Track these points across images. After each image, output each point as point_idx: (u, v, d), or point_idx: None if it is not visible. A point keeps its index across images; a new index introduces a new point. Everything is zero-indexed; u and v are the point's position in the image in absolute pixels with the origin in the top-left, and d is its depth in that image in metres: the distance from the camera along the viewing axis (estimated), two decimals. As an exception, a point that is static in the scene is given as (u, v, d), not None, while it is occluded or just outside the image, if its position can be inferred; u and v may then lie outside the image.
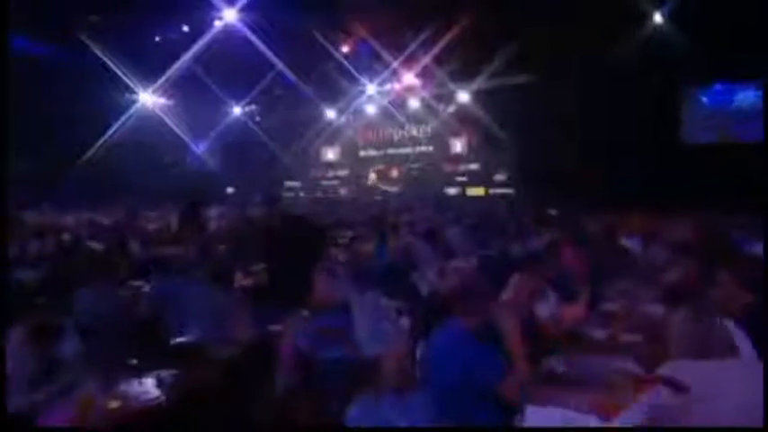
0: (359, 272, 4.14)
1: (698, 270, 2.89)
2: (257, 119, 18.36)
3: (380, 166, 17.40)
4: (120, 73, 13.61)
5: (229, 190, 18.15)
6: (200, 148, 17.90)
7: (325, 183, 18.59)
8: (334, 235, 6.71)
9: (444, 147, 16.23)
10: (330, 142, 18.53)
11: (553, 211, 8.73)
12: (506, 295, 2.52)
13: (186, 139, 16.95)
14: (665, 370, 1.69)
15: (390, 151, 17.58)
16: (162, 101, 15.91)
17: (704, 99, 11.21)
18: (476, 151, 15.29)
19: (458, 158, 15.92)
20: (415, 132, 16.99)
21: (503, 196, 13.23)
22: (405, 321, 2.89)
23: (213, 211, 10.84)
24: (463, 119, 14.97)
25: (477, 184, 14.96)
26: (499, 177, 14.58)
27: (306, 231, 4.08)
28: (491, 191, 14.58)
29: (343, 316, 2.49)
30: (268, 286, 3.87)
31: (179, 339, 2.79)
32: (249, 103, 17.60)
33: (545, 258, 3.40)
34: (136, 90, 14.90)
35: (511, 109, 12.57)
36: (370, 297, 2.42)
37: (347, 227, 8.16)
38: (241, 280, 4.31)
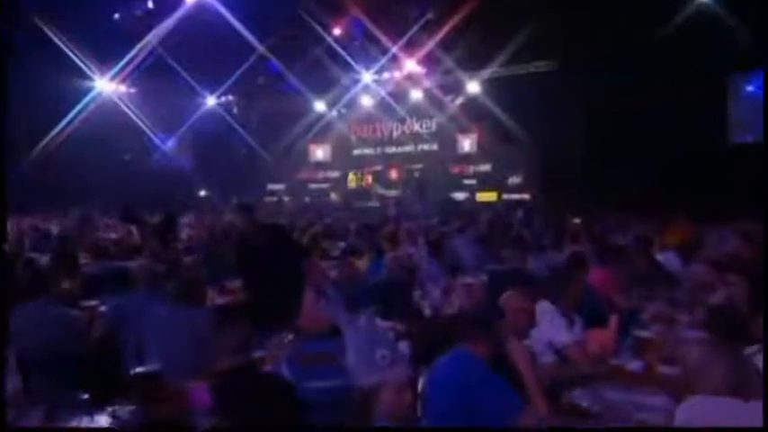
0: (351, 290, 4.14)
1: (746, 291, 2.90)
2: (234, 111, 18.46)
3: (377, 167, 17.49)
4: (72, 56, 13.51)
5: (202, 193, 18.14)
6: (167, 145, 17.91)
7: (313, 186, 18.67)
8: (324, 246, 6.73)
9: (451, 145, 16.33)
10: (319, 139, 18.62)
11: (577, 220, 8.77)
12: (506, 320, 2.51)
13: (151, 133, 16.98)
14: (686, 407, 1.71)
15: (389, 150, 17.69)
16: (122, 89, 15.88)
17: (750, 89, 11.21)
18: (487, 150, 15.40)
19: (466, 158, 16.02)
20: (417, 128, 17.10)
21: (518, 202, 13.28)
22: (404, 347, 2.90)
23: (183, 219, 10.83)
24: (473, 113, 15.09)
25: (488, 188, 15.04)
26: (514, 180, 14.66)
27: (291, 242, 4.09)
28: (504, 196, 14.66)
29: (333, 340, 2.49)
30: (246, 306, 3.88)
31: (139, 369, 2.76)
32: (225, 93, 17.67)
33: (568, 276, 3.40)
34: (92, 76, 14.80)
35: (528, 101, 12.67)
36: (364, 319, 2.43)
37: (338, 237, 8.17)
38: (215, 298, 4.35)
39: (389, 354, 1.99)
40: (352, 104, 17.10)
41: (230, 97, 18.10)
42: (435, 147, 16.71)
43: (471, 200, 15.06)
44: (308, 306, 2.58)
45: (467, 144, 16.12)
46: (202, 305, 3.36)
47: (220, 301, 4.38)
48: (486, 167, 15.51)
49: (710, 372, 1.77)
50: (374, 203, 16.12)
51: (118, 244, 5.94)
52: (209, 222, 10.64)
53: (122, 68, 14.65)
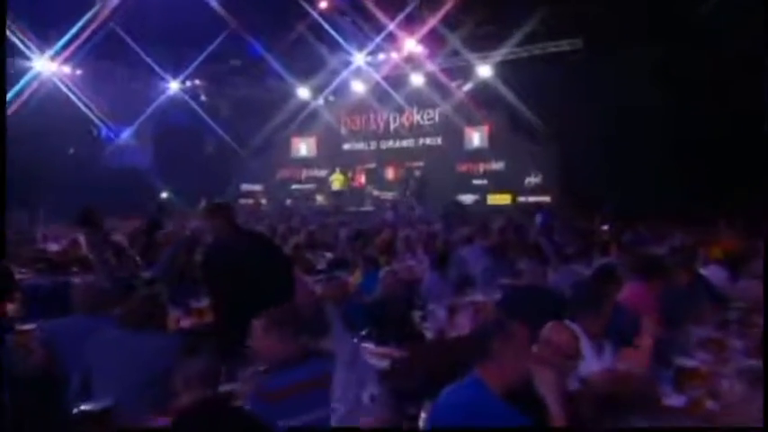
0: (340, 309, 4.11)
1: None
2: (202, 98, 18.45)
3: (371, 165, 17.51)
4: (5, 30, 13.34)
5: (163, 195, 18.07)
6: (121, 138, 17.85)
7: (296, 186, 18.68)
8: (308, 258, 6.71)
9: (458, 139, 16.38)
10: (303, 132, 18.65)
11: (605, 227, 8.80)
12: (538, 349, 2.52)
13: (102, 124, 16.90)
14: None
15: (384, 144, 17.73)
16: (66, 70, 15.77)
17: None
18: (500, 145, 15.44)
19: (476, 155, 16.07)
20: (418, 119, 17.16)
21: (537, 206, 13.32)
22: (401, 377, 2.89)
23: (139, 225, 10.74)
24: (483, 101, 15.15)
25: (501, 190, 15.09)
26: (531, 180, 14.70)
27: (269, 254, 4.05)
28: (520, 199, 14.72)
29: (304, 366, 2.54)
30: (216, 329, 3.85)
31: (85, 406, 2.71)
32: (191, 77, 17.65)
33: (596, 292, 3.38)
34: (29, 55, 14.65)
35: (549, 87, 12.72)
36: (351, 350, 2.45)
37: (325, 247, 8.15)
38: (178, 321, 4.30)
39: (378, 393, 2.00)
40: (341, 91, 17.13)
41: (197, 82, 18.08)
42: (439, 141, 16.75)
43: (481, 203, 15.11)
44: (258, 336, 2.59)
45: (476, 138, 16.17)
46: (162, 329, 3.33)
47: (185, 323, 4.36)
48: (498, 165, 15.56)
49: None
50: (367, 207, 16.14)
51: (61, 256, 5.89)
52: (173, 230, 10.58)
53: (66, 45, 14.44)
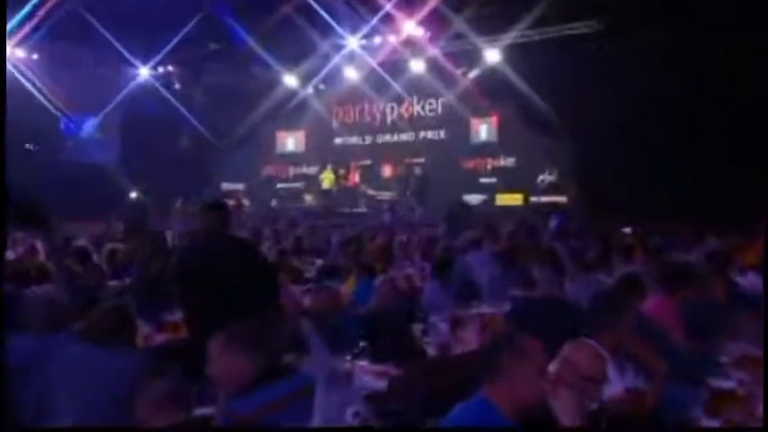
0: (331, 322, 4.09)
1: None
2: (176, 86, 18.43)
3: (366, 162, 17.51)
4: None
5: (132, 195, 18.01)
6: (85, 130, 17.81)
7: (282, 186, 18.64)
8: (295, 266, 6.71)
9: (463, 132, 16.39)
10: (290, 124, 18.63)
11: (628, 230, 8.80)
12: (556, 369, 2.50)
13: (63, 115, 16.84)
14: None
15: (381, 138, 17.72)
16: (21, 54, 15.72)
17: None
18: (510, 139, 15.45)
19: (483, 149, 16.08)
20: (418, 110, 17.16)
21: (551, 207, 13.33)
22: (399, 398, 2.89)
23: (103, 228, 10.71)
24: (491, 90, 15.15)
25: (511, 189, 15.10)
26: (545, 178, 14.70)
27: (251, 261, 4.04)
28: (533, 199, 14.72)
29: (275, 385, 2.56)
30: (190, 346, 3.83)
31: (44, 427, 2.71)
32: (164, 63, 17.63)
33: (618, 304, 3.37)
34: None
35: (565, 74, 12.75)
36: (330, 367, 2.48)
37: (315, 253, 8.15)
38: (150, 337, 4.30)
39: (363, 411, 2.00)
40: (332, 79, 17.13)
41: (170, 68, 18.05)
42: (442, 134, 16.76)
43: (489, 204, 15.11)
44: (216, 357, 2.58)
45: (483, 131, 16.19)
46: (130, 345, 3.33)
47: (157, 339, 4.37)
48: (508, 161, 15.58)
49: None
50: (362, 209, 16.12)
51: (17, 264, 5.85)
52: (144, 235, 10.53)
53: (20, 25, 14.38)
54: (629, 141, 12.00)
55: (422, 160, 16.47)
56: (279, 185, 18.63)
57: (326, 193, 16.76)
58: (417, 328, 4.42)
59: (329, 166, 16.87)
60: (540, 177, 14.74)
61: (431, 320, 4.33)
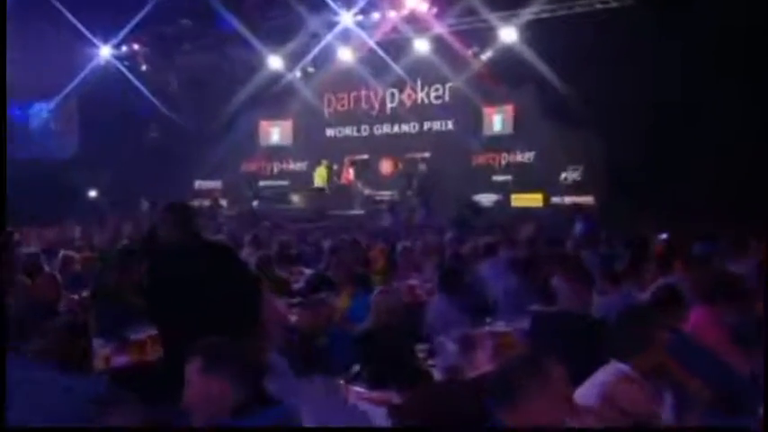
0: (322, 341, 4.08)
1: None
2: (143, 68, 18.43)
3: (362, 156, 17.51)
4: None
5: (91, 194, 18.01)
6: (37, 118, 17.76)
7: (265, 183, 18.64)
8: (280, 276, 6.71)
9: (474, 122, 16.39)
10: (275, 113, 18.63)
11: (664, 235, 8.79)
12: (584, 399, 2.50)
13: (11, 102, 16.77)
14: None
15: (379, 130, 17.72)
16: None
17: None
18: (528, 130, 15.46)
19: (497, 142, 16.08)
20: (422, 97, 17.17)
21: (576, 209, 13.32)
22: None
23: (61, 233, 10.70)
24: (507, 74, 15.16)
25: (529, 188, 15.11)
26: (569, 176, 14.72)
27: (229, 270, 4.04)
28: (555, 199, 14.74)
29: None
30: (162, 368, 3.83)
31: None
32: (129, 42, 17.62)
33: (654, 321, 3.36)
34: None
35: (590, 56, 12.74)
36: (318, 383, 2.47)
37: (303, 261, 8.14)
38: (110, 357, 4.29)
39: None
40: (324, 61, 17.13)
41: (136, 47, 18.06)
42: (450, 125, 16.76)
43: (504, 205, 15.13)
44: (188, 378, 2.58)
45: (497, 121, 16.19)
46: (85, 368, 3.32)
47: (119, 361, 4.34)
48: (526, 156, 15.59)
49: None
50: (357, 210, 16.10)
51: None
52: (105, 238, 10.53)
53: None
54: (666, 133, 12.00)
55: (426, 155, 16.47)
56: (261, 183, 18.63)
57: (319, 192, 16.76)
58: (421, 348, 4.40)
59: (323, 161, 16.87)
60: (563, 174, 14.76)
61: (437, 340, 4.30)
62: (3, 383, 2.80)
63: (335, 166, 17.10)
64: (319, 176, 16.80)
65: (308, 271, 7.38)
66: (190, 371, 2.59)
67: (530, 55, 14.26)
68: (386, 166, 17.27)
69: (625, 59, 12.34)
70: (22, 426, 2.70)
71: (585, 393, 2.83)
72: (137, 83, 18.03)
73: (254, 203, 17.64)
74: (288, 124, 18.74)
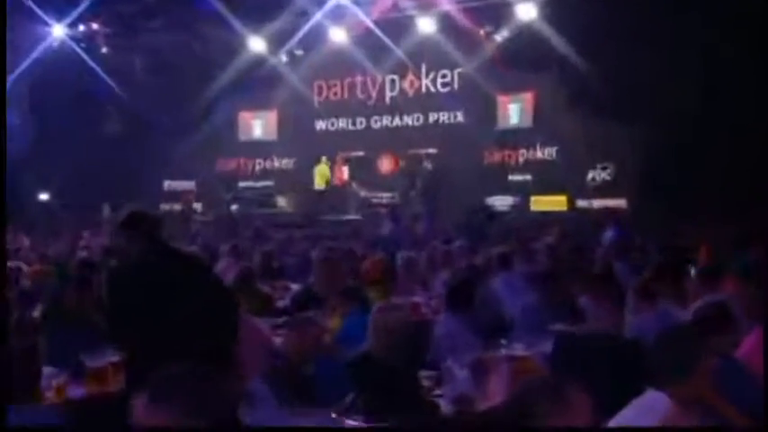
0: (310, 368, 4.07)
1: None
2: (103, 50, 18.43)
3: (358, 152, 17.54)
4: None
5: (42, 197, 17.99)
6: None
7: (246, 184, 18.68)
8: (263, 292, 6.71)
9: (487, 113, 16.43)
10: (258, 103, 18.67)
11: (708, 245, 8.78)
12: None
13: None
14: None
15: (378, 123, 17.78)
16: None
17: None
18: (551, 122, 15.49)
19: (514, 137, 16.13)
20: (427, 84, 17.22)
21: (606, 213, 13.32)
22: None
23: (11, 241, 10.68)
24: (524, 58, 15.18)
25: (552, 189, 15.16)
26: (598, 176, 14.73)
27: (203, 286, 4.05)
28: (580, 202, 14.78)
29: None
30: (124, 401, 3.81)
31: None
32: (86, 20, 17.62)
33: (699, 345, 3.36)
34: None
35: (623, 37, 12.74)
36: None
37: (289, 275, 8.14)
38: (64, 387, 4.25)
39: None
40: (313, 43, 17.16)
41: (95, 26, 18.06)
42: (459, 117, 16.80)
43: (522, 209, 15.18)
44: (136, 415, 2.57)
45: (514, 112, 16.23)
46: (36, 400, 3.33)
47: (75, 393, 4.32)
48: (547, 153, 15.63)
49: None
50: (352, 215, 16.12)
51: None
52: (60, 249, 10.51)
53: None
54: (712, 126, 12.00)
55: (432, 151, 16.50)
56: (241, 184, 18.66)
57: (320, 195, 16.76)
58: (426, 374, 4.40)
59: (323, 158, 16.86)
60: (591, 174, 14.79)
61: (445, 365, 4.31)
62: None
63: (329, 164, 17.08)
64: (320, 176, 16.81)
65: (294, 286, 7.39)
66: (135, 408, 2.58)
67: (551, 35, 14.30)
68: (385, 165, 17.30)
69: (662, 40, 12.35)
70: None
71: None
72: (95, 67, 18.00)
73: (233, 207, 17.63)
74: (272, 116, 18.78)
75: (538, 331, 5.09)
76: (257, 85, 18.01)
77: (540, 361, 4.44)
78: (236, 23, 16.60)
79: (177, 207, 17.56)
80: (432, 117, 17.12)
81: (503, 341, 5.05)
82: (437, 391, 4.22)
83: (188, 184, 18.67)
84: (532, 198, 15.31)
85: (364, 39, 16.63)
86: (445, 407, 3.98)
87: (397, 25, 16.31)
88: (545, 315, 5.48)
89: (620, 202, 14.05)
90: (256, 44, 17.29)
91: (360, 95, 17.93)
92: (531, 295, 6.05)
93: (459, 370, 4.10)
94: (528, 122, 16.04)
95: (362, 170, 17.27)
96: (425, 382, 4.34)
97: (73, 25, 17.58)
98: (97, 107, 18.53)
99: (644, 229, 11.02)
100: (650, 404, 2.96)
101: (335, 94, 18.24)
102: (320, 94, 18.26)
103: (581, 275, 6.29)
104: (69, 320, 5.22)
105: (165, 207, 17.19)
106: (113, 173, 16.92)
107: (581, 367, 3.74)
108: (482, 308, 5.64)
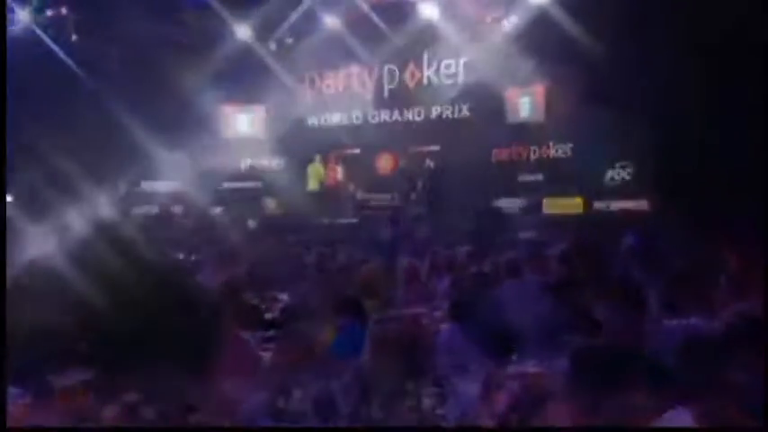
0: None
1: None
2: (74, 38, 18.44)
3: (354, 150, 17.55)
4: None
5: (8, 199, 17.97)
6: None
7: (231, 185, 18.73)
8: (251, 303, 6.75)
9: (495, 108, 16.48)
10: (244, 96, 18.73)
11: (739, 250, 8.80)
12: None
13: None
14: None
15: (376, 117, 17.90)
16: None
17: None
18: (565, 117, 15.52)
19: (524, 133, 16.19)
20: (430, 76, 17.27)
21: (626, 216, 13.35)
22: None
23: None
24: (535, 47, 15.22)
25: (565, 191, 15.22)
26: (616, 175, 14.76)
27: (183, 298, 4.07)
28: (597, 205, 14.81)
29: None
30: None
31: None
32: (55, 3, 17.59)
33: (725, 362, 3.37)
34: None
35: (644, 23, 12.78)
36: None
37: (278, 285, 8.15)
38: (28, 410, 4.28)
39: None
40: (304, 30, 17.20)
41: (63, 11, 18.08)
42: (465, 111, 16.85)
43: (534, 212, 15.20)
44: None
45: (524, 105, 16.26)
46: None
47: (41, 417, 4.33)
48: (561, 150, 15.69)
49: None
50: (348, 219, 16.14)
51: None
52: (21, 260, 10.52)
53: None
54: (742, 120, 12.01)
55: (435, 149, 16.54)
56: (226, 185, 18.67)
57: (312, 197, 16.75)
58: (428, 392, 4.41)
59: (316, 157, 16.83)
60: (609, 173, 14.81)
61: (450, 380, 4.32)
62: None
63: (322, 163, 17.09)
64: (314, 176, 16.85)
65: (284, 297, 7.39)
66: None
67: (565, 21, 14.32)
68: (383, 163, 17.35)
69: (688, 25, 12.37)
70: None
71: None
72: (64, 57, 18.01)
73: (217, 211, 17.64)
74: (260, 110, 18.82)
75: (550, 344, 5.09)
76: (243, 76, 18.00)
77: (554, 376, 4.44)
78: (220, 9, 16.66)
79: (153, 211, 17.52)
80: (434, 112, 17.17)
81: (513, 356, 5.07)
82: (440, 410, 4.22)
83: (167, 186, 18.64)
84: (545, 200, 15.35)
85: (360, 26, 16.68)
86: (448, 426, 3.99)
87: (397, 11, 16.37)
88: (558, 327, 5.49)
89: (641, 204, 14.06)
90: (242, 32, 17.34)
91: (356, 88, 17.96)
92: (544, 305, 6.06)
93: (465, 386, 4.10)
94: (539, 117, 16.08)
95: (359, 169, 17.30)
96: (428, 400, 4.35)
97: (39, 10, 17.55)
98: (65, 101, 18.48)
99: (667, 232, 11.03)
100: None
101: (329, 86, 18.30)
102: (312, 86, 18.32)
103: (598, 283, 6.31)
104: (34, 335, 5.23)
105: (140, 211, 17.19)
106: (83, 172, 16.87)
107: (597, 383, 3.73)
108: (489, 319, 5.64)
